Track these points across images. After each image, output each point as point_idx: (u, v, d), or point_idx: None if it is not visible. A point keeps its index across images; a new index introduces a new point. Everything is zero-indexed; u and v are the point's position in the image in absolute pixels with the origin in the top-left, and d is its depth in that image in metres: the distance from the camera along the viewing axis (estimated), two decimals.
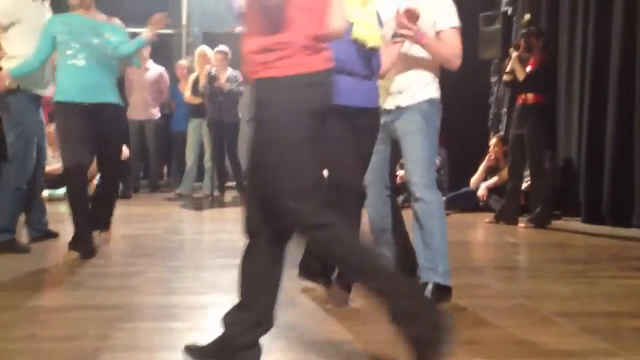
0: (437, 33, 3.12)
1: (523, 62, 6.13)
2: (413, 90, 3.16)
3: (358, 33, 2.81)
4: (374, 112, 2.99)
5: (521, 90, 6.12)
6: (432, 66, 3.18)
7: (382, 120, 3.14)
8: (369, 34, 2.84)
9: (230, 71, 7.64)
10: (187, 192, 7.90)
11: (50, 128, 7.53)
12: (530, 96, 6.00)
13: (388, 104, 3.20)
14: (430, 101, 3.17)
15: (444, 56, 3.10)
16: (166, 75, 8.48)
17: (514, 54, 6.18)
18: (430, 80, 3.19)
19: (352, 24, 2.78)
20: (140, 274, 3.58)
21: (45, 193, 7.24)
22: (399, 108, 3.16)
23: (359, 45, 2.83)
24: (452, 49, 3.11)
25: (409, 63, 3.16)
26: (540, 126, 5.97)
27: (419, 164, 3.08)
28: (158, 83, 8.34)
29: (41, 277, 3.60)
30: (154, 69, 8.30)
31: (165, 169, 9.48)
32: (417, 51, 3.10)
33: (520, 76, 6.07)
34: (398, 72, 3.16)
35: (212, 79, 7.42)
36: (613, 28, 6.03)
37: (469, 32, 7.67)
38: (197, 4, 9.77)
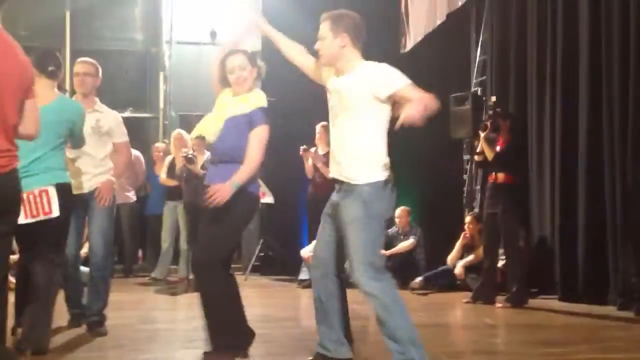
0: (390, 97, 3.09)
1: (492, 142, 6.26)
2: (353, 168, 3.08)
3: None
4: None
5: (491, 170, 6.23)
6: (375, 142, 3.11)
7: (332, 196, 3.16)
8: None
9: (207, 154, 7.68)
10: (162, 276, 7.78)
11: None
12: (500, 176, 6.09)
13: (332, 171, 3.21)
14: (372, 185, 3.07)
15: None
16: (142, 159, 8.51)
17: (482, 135, 6.33)
18: (373, 159, 3.10)
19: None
20: None
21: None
22: (341, 187, 3.13)
23: None
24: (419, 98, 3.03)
25: (342, 131, 3.13)
26: (511, 205, 6.03)
27: (360, 257, 3.01)
28: (134, 166, 8.34)
29: None
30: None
31: (140, 253, 9.36)
32: (356, 122, 3.07)
33: (489, 156, 6.20)
34: (334, 139, 3.21)
35: (189, 161, 7.43)
36: (580, 109, 6.21)
37: (440, 112, 7.94)
38: (174, 87, 9.92)
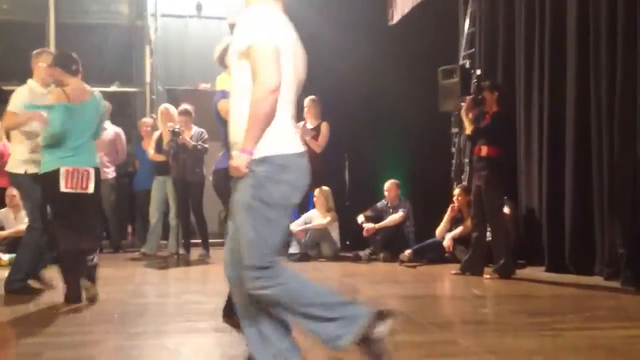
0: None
1: (481, 115, 6.27)
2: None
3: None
4: None
5: (475, 143, 6.25)
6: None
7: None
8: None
9: (195, 129, 7.64)
10: (152, 251, 7.77)
11: (13, 191, 7.45)
12: (484, 149, 6.09)
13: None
14: (265, 161, 2.41)
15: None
16: (123, 136, 8.41)
17: (463, 109, 6.36)
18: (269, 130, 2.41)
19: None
20: (98, 342, 3.48)
21: (6, 257, 7.08)
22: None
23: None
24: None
25: (233, 107, 2.52)
26: (494, 178, 6.02)
27: (246, 250, 2.40)
28: (114, 143, 8.26)
29: None
30: (110, 129, 8.15)
31: (129, 229, 9.34)
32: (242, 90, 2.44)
33: (468, 129, 6.23)
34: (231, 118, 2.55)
35: (176, 134, 7.38)
36: (567, 81, 6.21)
37: (429, 85, 7.93)
38: (160, 62, 9.82)
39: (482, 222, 6.22)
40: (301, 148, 2.56)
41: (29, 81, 5.16)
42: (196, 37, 9.62)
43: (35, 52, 5.24)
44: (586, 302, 4.80)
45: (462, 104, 6.49)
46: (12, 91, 8.58)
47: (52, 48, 9.48)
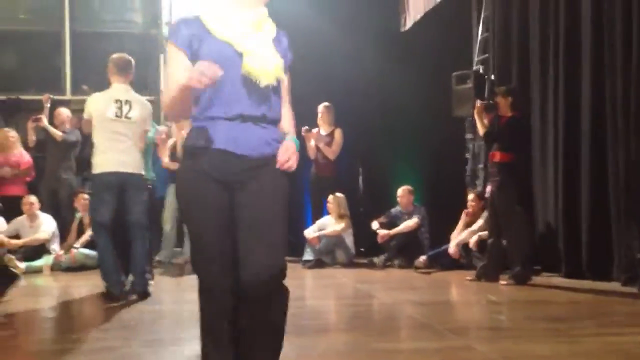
0: None
1: (496, 121, 6.25)
2: None
3: (250, 67, 2.32)
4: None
5: (489, 147, 6.23)
6: None
7: None
8: (264, 69, 2.33)
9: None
10: (167, 259, 7.81)
11: (31, 199, 7.52)
12: (497, 154, 6.07)
13: None
14: None
15: None
16: None
17: (475, 111, 6.37)
18: None
19: (241, 53, 2.33)
20: (114, 349, 3.50)
21: (23, 265, 7.15)
22: None
23: (251, 83, 2.33)
24: None
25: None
26: (508, 184, 6.00)
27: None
28: None
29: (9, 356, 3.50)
30: None
31: None
32: None
33: (481, 131, 6.23)
34: None
35: None
36: (583, 86, 6.17)
37: (442, 90, 7.92)
38: None
39: (496, 227, 6.19)
40: None
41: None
42: None
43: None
44: (603, 308, 4.76)
45: (474, 108, 6.48)
46: (30, 100, 8.69)
47: (67, 57, 9.60)
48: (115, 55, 5.49)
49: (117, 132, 5.22)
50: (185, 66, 2.32)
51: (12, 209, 7.36)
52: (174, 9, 9.78)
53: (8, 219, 7.36)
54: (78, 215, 7.70)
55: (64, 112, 8.18)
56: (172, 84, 2.34)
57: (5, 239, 7.23)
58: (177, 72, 2.34)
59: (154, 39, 9.90)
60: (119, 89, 5.35)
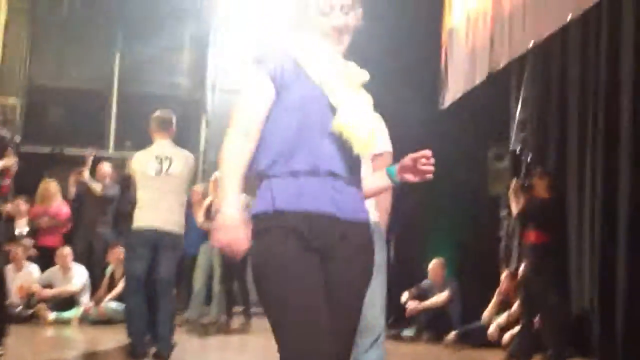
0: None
1: (530, 202, 6.22)
2: None
3: (342, 126, 2.03)
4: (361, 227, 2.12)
5: (524, 227, 6.18)
6: None
7: None
8: (358, 134, 2.05)
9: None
10: (195, 317, 7.78)
11: (65, 251, 7.63)
12: (532, 235, 6.02)
13: None
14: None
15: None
16: None
17: (510, 191, 6.36)
18: None
19: (335, 106, 2.05)
20: None
21: (52, 316, 7.20)
22: None
23: (341, 141, 2.05)
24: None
25: None
26: (543, 266, 5.93)
27: (379, 317, 2.95)
28: None
29: None
30: None
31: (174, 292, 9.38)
32: None
33: (515, 211, 6.20)
34: None
35: None
36: (621, 171, 6.14)
37: (478, 166, 7.93)
38: (214, 132, 10.12)
39: (530, 309, 6.07)
40: None
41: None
42: None
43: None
44: None
45: (510, 187, 6.48)
46: (74, 154, 8.94)
47: (113, 115, 9.92)
48: (156, 112, 5.64)
49: (158, 189, 5.30)
50: (266, 98, 2.07)
51: (47, 258, 7.49)
52: (220, 74, 10.10)
53: (43, 268, 7.47)
54: (110, 268, 7.77)
55: (106, 167, 8.39)
56: (243, 117, 2.10)
57: (37, 288, 7.31)
58: (252, 103, 2.09)
59: (198, 103, 10.20)
60: (161, 144, 5.46)
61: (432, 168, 2.20)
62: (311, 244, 1.98)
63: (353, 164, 2.11)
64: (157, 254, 5.29)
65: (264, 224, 2.03)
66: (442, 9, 9.04)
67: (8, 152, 5.08)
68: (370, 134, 2.09)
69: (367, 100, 2.19)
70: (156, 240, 5.24)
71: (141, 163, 5.39)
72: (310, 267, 1.97)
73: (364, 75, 2.17)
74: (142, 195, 5.34)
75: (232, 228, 1.98)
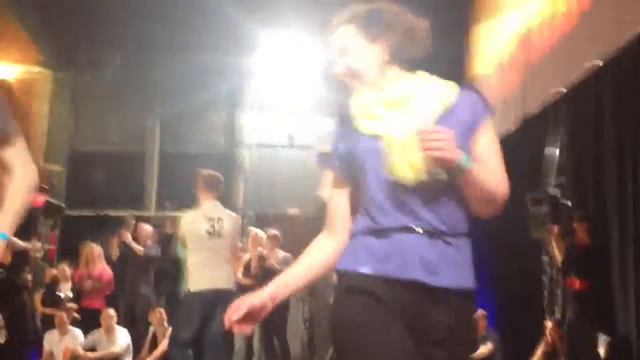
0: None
1: (573, 247, 6.11)
2: None
3: (391, 162, 1.77)
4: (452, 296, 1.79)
5: (567, 275, 6.05)
6: None
7: None
8: (405, 161, 1.76)
9: (281, 254, 7.81)
10: None
11: (110, 312, 7.75)
12: (575, 282, 5.89)
13: None
14: None
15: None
16: None
17: (551, 239, 6.24)
18: None
19: (380, 138, 1.81)
20: None
21: None
22: None
23: (397, 184, 1.78)
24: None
25: None
26: (586, 313, 5.77)
27: None
28: None
29: None
30: None
31: None
32: None
33: (558, 260, 6.07)
34: None
35: (262, 259, 7.58)
36: None
37: (518, 211, 7.83)
38: (252, 187, 10.26)
39: (575, 358, 5.90)
40: None
41: None
42: (286, 165, 10.06)
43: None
44: None
45: (550, 233, 6.37)
46: (115, 217, 9.16)
47: (154, 175, 10.17)
48: (204, 172, 5.67)
49: (212, 249, 5.37)
50: (339, 201, 1.95)
51: (91, 321, 7.60)
52: (254, 131, 10.29)
53: (86, 331, 7.59)
54: (152, 329, 7.84)
55: (147, 228, 8.55)
56: (328, 217, 2.00)
57: (82, 352, 7.42)
58: (330, 207, 1.98)
59: (235, 159, 10.39)
60: (210, 205, 5.51)
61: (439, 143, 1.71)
62: (398, 318, 1.72)
63: (432, 208, 1.79)
64: (213, 313, 5.30)
65: (344, 292, 1.82)
66: (464, 56, 9.10)
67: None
68: (420, 156, 1.74)
69: (424, 115, 1.85)
70: (215, 300, 5.27)
71: (192, 224, 5.46)
72: (402, 346, 1.69)
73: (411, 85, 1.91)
74: (195, 256, 5.39)
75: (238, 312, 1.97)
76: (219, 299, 5.26)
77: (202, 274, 5.30)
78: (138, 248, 8.25)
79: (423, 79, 1.93)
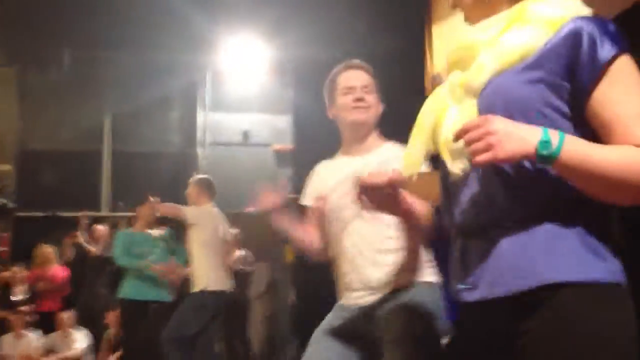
0: None
1: None
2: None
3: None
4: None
5: None
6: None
7: None
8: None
9: (240, 252, 7.81)
10: None
11: (63, 315, 7.59)
12: None
13: None
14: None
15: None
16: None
17: None
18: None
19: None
20: None
21: None
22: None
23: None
24: None
25: None
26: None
27: None
28: None
29: None
30: None
31: None
32: None
33: None
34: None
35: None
36: None
37: None
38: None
39: None
40: None
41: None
42: (242, 163, 10.03)
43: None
44: None
45: None
46: (68, 217, 8.98)
47: (106, 175, 9.98)
48: (199, 177, 6.00)
49: (220, 251, 5.60)
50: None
51: (47, 323, 7.44)
52: (209, 129, 10.23)
53: (46, 333, 7.44)
54: (108, 331, 7.73)
55: (101, 228, 8.42)
56: None
57: (35, 356, 7.26)
58: None
59: (189, 158, 10.29)
60: (213, 208, 5.74)
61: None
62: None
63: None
64: (218, 314, 5.63)
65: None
66: (424, 58, 9.26)
67: None
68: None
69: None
70: (220, 301, 5.48)
71: (210, 222, 5.59)
72: None
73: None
74: (206, 254, 5.47)
75: None
76: (223, 301, 5.54)
77: (217, 274, 5.46)
78: (92, 249, 8.11)
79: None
